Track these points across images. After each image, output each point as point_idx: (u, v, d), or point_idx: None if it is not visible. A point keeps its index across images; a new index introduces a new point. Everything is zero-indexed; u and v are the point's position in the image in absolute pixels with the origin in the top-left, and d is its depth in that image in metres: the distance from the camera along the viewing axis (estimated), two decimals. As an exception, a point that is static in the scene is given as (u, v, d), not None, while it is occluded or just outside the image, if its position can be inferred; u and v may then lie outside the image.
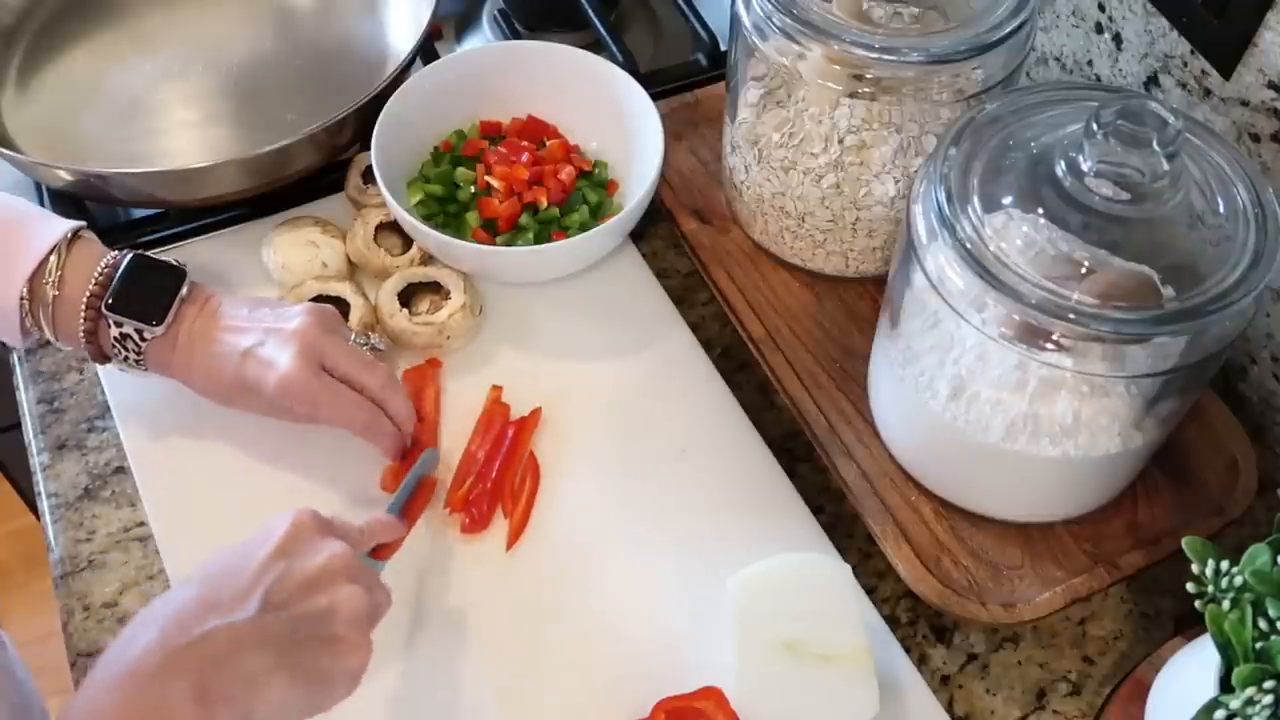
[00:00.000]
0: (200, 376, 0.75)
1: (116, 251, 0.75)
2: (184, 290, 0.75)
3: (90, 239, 0.76)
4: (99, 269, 0.74)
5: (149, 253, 0.76)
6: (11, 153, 0.87)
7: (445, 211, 0.90)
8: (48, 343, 0.77)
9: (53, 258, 0.73)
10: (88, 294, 0.73)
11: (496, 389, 0.83)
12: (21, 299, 0.73)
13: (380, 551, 0.69)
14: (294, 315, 0.75)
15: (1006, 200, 0.65)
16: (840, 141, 0.77)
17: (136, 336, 0.74)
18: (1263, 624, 0.57)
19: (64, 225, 0.75)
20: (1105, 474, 0.72)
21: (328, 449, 0.80)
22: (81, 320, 0.74)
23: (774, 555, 0.71)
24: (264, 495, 0.79)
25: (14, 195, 0.78)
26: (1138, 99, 0.63)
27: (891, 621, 0.76)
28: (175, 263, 0.76)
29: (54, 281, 0.73)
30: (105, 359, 0.76)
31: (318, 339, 0.74)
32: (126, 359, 0.75)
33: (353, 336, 0.79)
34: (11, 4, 0.99)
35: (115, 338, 0.74)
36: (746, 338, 0.83)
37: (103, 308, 0.73)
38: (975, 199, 0.65)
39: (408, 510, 0.74)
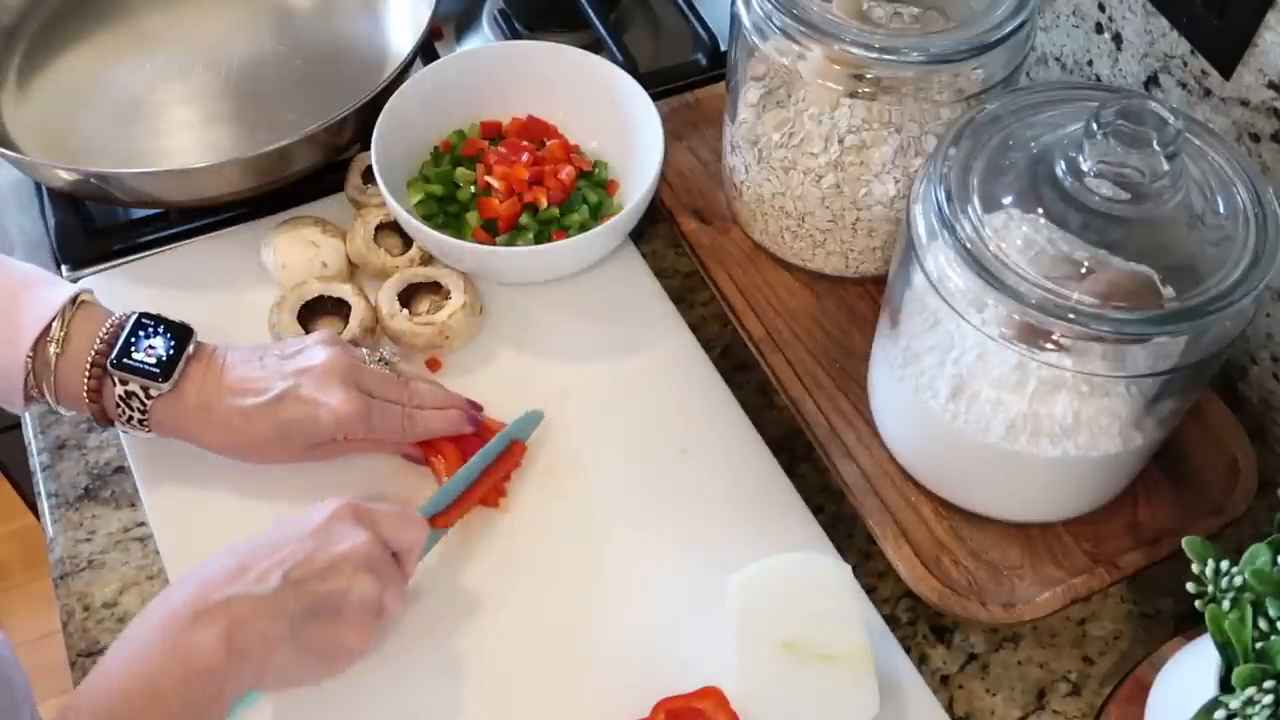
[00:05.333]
0: (221, 433, 0.74)
1: (121, 314, 0.75)
2: (190, 348, 0.74)
3: (94, 303, 0.76)
4: (104, 328, 0.74)
5: (150, 312, 0.76)
6: (11, 153, 0.87)
7: (445, 211, 0.90)
8: (49, 409, 0.76)
9: (56, 323, 0.73)
10: (93, 352, 0.73)
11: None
12: (27, 358, 0.72)
13: (436, 520, 0.74)
14: (315, 352, 0.75)
15: (1006, 200, 0.65)
16: (840, 141, 0.77)
17: (142, 394, 0.73)
18: (1263, 624, 0.57)
19: (68, 289, 0.74)
20: (1105, 474, 0.72)
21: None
22: (85, 379, 0.73)
23: (774, 555, 0.71)
24: (264, 495, 0.78)
25: (17, 259, 0.77)
26: (1138, 99, 0.63)
27: (891, 621, 0.76)
28: (181, 322, 0.76)
29: (58, 340, 0.72)
30: (109, 422, 0.75)
31: (351, 367, 0.75)
32: (131, 419, 0.74)
33: (365, 356, 0.79)
34: (11, 4, 0.99)
35: (120, 396, 0.73)
36: (746, 338, 0.83)
37: (108, 365, 0.73)
38: (975, 199, 0.65)
39: (486, 477, 0.77)
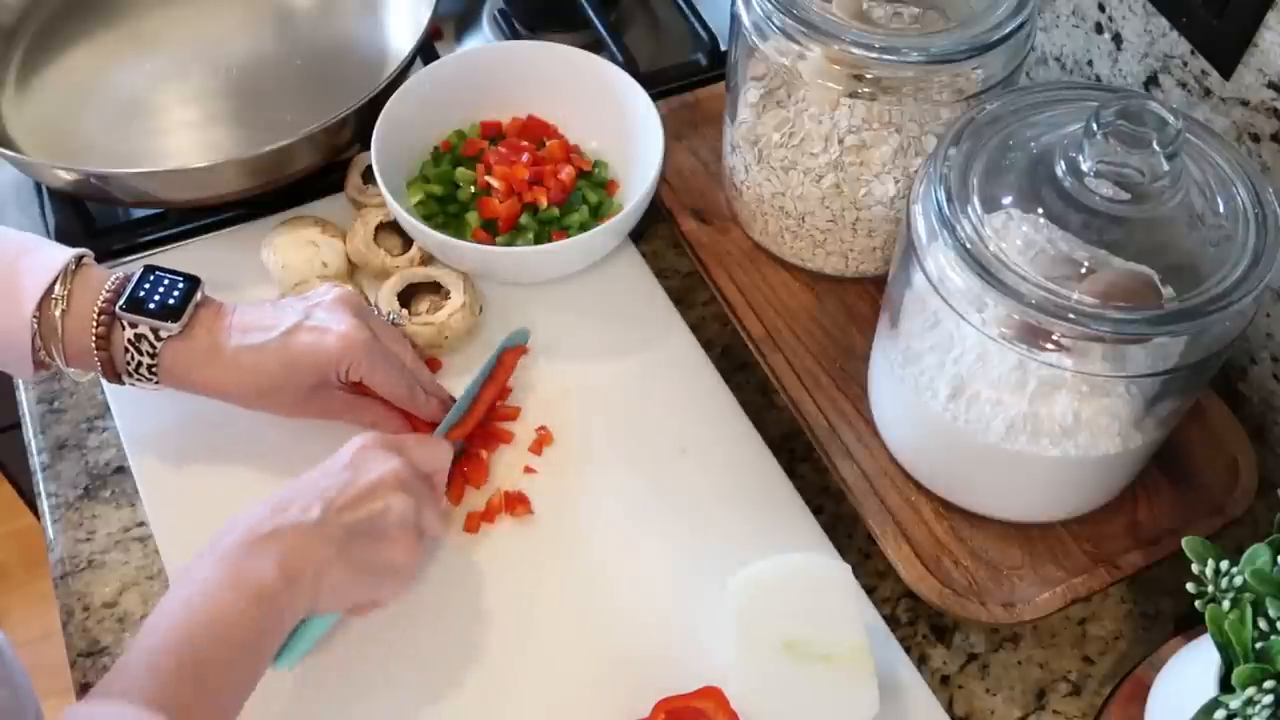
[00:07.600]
0: (231, 373, 0.74)
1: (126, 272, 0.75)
2: (199, 295, 0.75)
3: (94, 265, 0.76)
4: (110, 282, 0.74)
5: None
6: (11, 153, 0.87)
7: (445, 211, 0.90)
8: (57, 374, 0.76)
9: (58, 284, 0.72)
10: (100, 302, 0.73)
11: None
12: (33, 319, 0.72)
13: (453, 434, 0.79)
14: (329, 290, 0.77)
15: (1006, 200, 0.65)
16: (840, 141, 0.77)
17: (152, 336, 0.73)
18: (1263, 624, 0.57)
19: (68, 252, 0.74)
20: (1105, 474, 0.72)
21: (327, 447, 0.80)
22: (94, 326, 0.73)
23: (774, 555, 0.71)
24: (264, 495, 0.78)
25: (12, 229, 0.76)
26: (1138, 99, 0.63)
27: (891, 621, 0.76)
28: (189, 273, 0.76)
29: (62, 299, 0.72)
30: (117, 375, 0.75)
31: (364, 306, 0.78)
32: (140, 365, 0.74)
33: (375, 312, 0.80)
34: (11, 4, 0.99)
35: (129, 340, 0.73)
36: (746, 338, 0.83)
37: (117, 310, 0.73)
38: (975, 199, 0.65)
39: (485, 390, 0.81)
